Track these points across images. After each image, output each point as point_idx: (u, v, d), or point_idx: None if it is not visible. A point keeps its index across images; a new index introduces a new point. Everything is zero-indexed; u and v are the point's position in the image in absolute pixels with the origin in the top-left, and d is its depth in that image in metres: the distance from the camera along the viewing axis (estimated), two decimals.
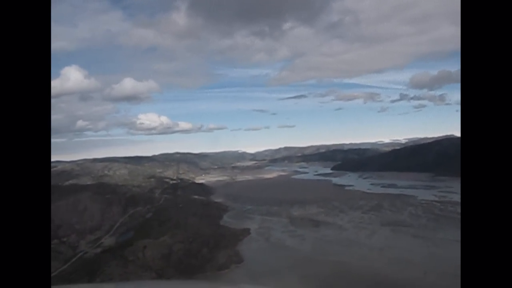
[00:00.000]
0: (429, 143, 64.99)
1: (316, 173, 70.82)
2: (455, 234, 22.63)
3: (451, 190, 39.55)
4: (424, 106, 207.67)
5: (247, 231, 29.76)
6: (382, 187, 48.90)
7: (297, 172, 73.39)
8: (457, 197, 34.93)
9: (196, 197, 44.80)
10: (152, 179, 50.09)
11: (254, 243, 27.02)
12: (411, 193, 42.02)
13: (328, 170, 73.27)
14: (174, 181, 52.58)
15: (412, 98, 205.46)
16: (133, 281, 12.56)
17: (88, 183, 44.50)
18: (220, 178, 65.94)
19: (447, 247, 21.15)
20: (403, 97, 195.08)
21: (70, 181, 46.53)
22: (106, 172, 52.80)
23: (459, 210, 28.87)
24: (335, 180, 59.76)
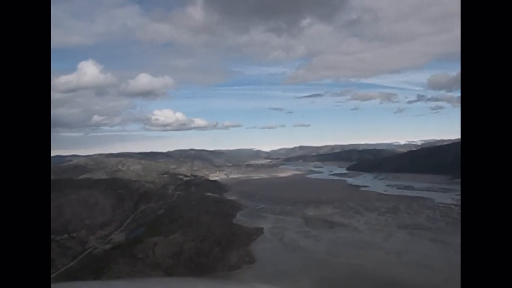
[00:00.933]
0: (446, 145, 64.03)
1: (331, 173, 70.28)
2: None
3: None
4: (441, 107, 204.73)
5: (260, 231, 29.19)
6: (398, 188, 47.94)
7: (311, 172, 73.01)
8: None
9: (209, 194, 44.28)
10: (166, 175, 49.90)
11: (267, 243, 26.43)
12: (428, 196, 41.07)
13: (343, 170, 73.02)
14: (188, 178, 52.19)
15: (429, 100, 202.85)
16: (143, 278, 12.24)
17: (102, 177, 44.31)
18: (235, 176, 65.76)
19: None
20: (420, 98, 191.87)
21: (84, 175, 46.48)
22: (120, 167, 52.84)
23: None
24: (350, 180, 59.19)
